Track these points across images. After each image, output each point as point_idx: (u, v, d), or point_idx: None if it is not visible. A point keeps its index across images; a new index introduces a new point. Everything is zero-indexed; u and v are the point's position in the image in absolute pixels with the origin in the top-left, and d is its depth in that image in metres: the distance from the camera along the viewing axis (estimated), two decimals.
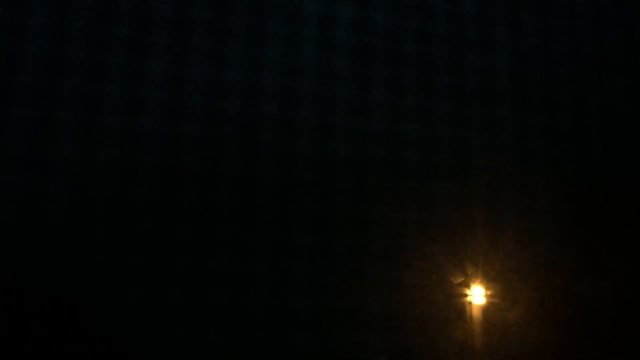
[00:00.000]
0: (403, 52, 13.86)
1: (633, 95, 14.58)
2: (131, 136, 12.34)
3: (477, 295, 13.15)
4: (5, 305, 11.92)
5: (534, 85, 14.23)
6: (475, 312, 13.19)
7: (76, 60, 12.64)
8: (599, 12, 14.99)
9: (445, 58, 14.03)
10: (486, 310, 13.22)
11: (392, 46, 13.82)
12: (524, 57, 14.43)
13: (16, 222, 11.82)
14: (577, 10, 14.91)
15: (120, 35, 12.75)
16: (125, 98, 12.54)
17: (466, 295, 13.15)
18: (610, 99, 14.54)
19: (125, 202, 12.14)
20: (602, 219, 13.69)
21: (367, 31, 13.85)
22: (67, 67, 12.56)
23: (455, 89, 13.89)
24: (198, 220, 12.31)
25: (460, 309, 13.19)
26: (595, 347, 13.01)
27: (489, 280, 13.24)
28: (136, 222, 12.16)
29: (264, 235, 12.56)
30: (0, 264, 11.91)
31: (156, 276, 12.07)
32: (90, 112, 12.43)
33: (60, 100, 12.29)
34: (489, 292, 13.18)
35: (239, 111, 12.88)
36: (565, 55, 14.67)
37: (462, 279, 13.19)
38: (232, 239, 12.41)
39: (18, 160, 12.04)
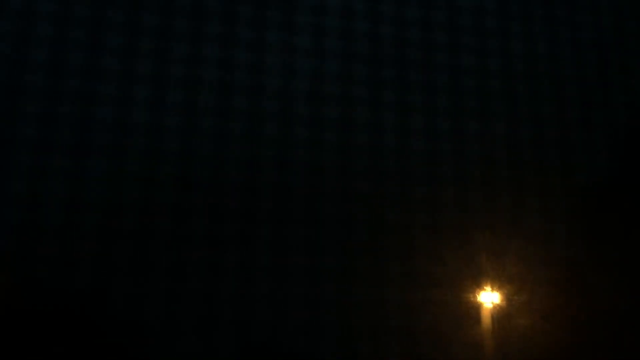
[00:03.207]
0: (410, 79, 15.32)
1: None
2: (151, 178, 13.71)
3: (489, 298, 13.29)
4: (31, 318, 13.09)
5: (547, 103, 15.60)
6: (489, 315, 13.24)
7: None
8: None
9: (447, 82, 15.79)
10: (499, 313, 13.29)
11: (401, 74, 15.31)
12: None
13: (54, 249, 13.58)
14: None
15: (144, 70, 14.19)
16: (148, 124, 14.64)
17: (478, 298, 13.30)
18: (614, 112, 15.51)
19: (146, 233, 13.70)
20: (618, 221, 13.97)
21: (379, 62, 15.46)
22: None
23: (456, 109, 15.29)
24: (208, 246, 14.00)
25: (474, 312, 13.30)
26: (612, 348, 12.94)
27: (502, 283, 13.43)
28: (155, 249, 13.77)
29: (294, 234, 13.95)
30: (32, 285, 13.49)
31: (173, 293, 13.20)
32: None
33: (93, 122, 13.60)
34: (502, 295, 13.30)
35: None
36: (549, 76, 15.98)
37: (487, 285, 13.41)
38: (272, 265, 14.25)
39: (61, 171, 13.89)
